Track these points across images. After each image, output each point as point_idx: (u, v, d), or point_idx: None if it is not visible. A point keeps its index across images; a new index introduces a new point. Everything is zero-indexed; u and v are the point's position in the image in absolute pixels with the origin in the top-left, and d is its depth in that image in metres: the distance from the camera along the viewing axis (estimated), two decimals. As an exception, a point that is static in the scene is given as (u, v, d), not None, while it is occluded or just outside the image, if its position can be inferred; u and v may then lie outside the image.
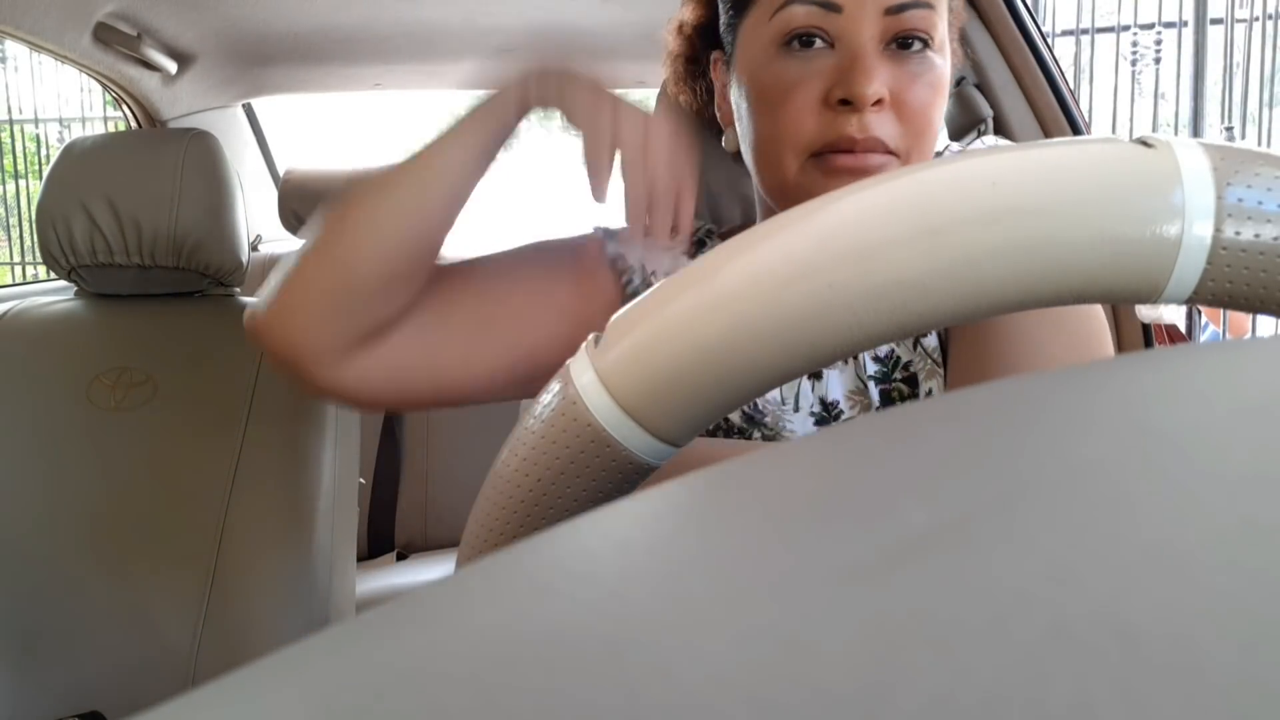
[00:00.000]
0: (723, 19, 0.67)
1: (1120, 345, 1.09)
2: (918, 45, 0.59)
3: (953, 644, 0.10)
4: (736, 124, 0.67)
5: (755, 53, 0.62)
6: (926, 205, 0.24)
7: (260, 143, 2.33)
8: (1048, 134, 1.08)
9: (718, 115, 0.70)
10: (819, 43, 0.59)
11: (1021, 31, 1.08)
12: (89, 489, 1.07)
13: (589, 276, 0.70)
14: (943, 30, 0.61)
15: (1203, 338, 2.05)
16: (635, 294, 0.69)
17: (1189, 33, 2.51)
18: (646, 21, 1.31)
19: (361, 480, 1.22)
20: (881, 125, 0.58)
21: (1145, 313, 1.05)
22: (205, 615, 1.02)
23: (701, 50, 0.72)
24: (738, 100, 0.65)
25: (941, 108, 0.62)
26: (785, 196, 0.63)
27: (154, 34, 1.64)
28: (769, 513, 0.14)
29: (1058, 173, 0.24)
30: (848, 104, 0.57)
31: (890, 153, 0.59)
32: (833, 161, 0.59)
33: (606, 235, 0.73)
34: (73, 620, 1.02)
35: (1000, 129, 1.10)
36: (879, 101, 0.57)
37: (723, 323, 0.25)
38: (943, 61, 0.61)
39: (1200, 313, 1.65)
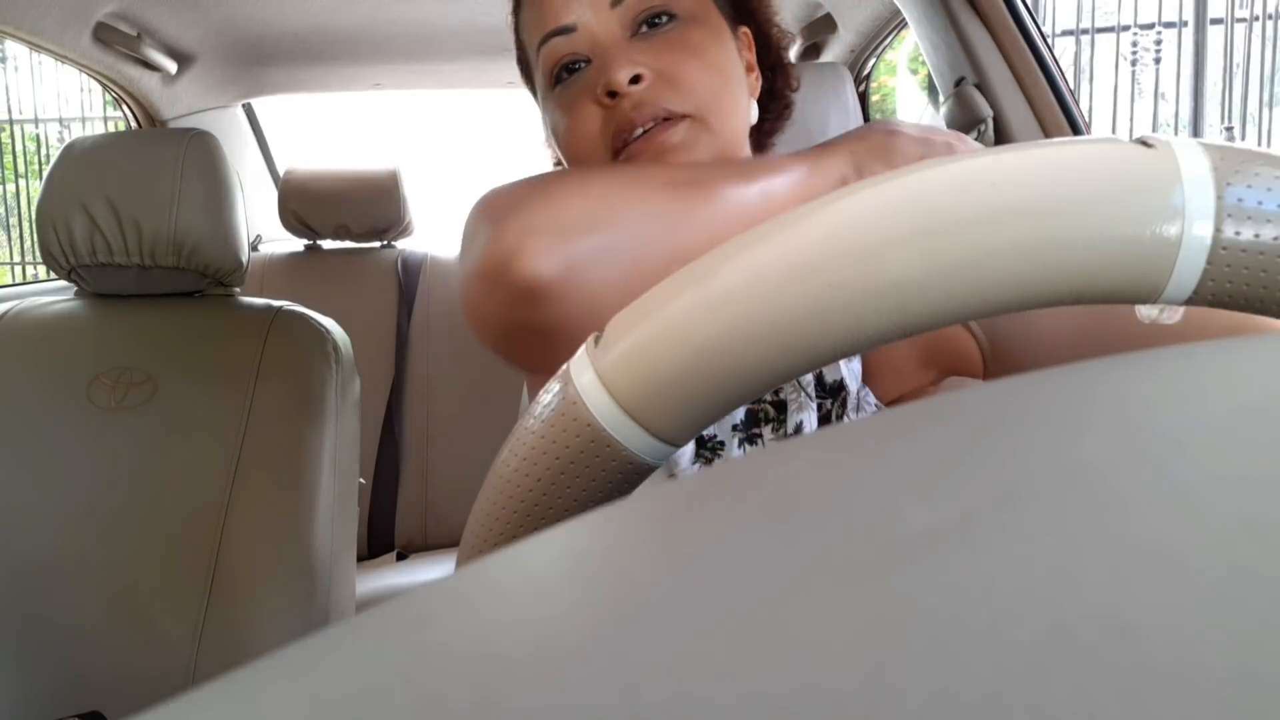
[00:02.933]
0: (533, 95, 0.72)
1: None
2: (664, 20, 0.62)
3: (953, 644, 0.10)
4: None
5: (543, 99, 0.67)
6: (926, 205, 0.24)
7: (260, 143, 2.33)
8: (1048, 134, 1.08)
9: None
10: (580, 65, 0.63)
11: (1021, 31, 1.08)
12: (89, 489, 1.07)
13: None
14: (687, 2, 0.63)
15: (1203, 338, 2.04)
16: None
17: (1189, 33, 2.51)
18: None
19: (361, 480, 1.22)
20: (656, 97, 0.60)
21: (1145, 313, 1.05)
22: (205, 615, 1.02)
23: None
24: (551, 142, 0.70)
25: (722, 59, 0.63)
26: None
27: (154, 34, 1.64)
28: (769, 512, 0.14)
29: (1058, 173, 0.24)
30: (614, 95, 0.60)
31: (681, 117, 0.60)
32: (631, 150, 0.61)
33: None
34: (73, 620, 1.02)
35: (1000, 129, 1.10)
36: (637, 79, 0.60)
37: (722, 323, 0.25)
38: (696, 23, 0.63)
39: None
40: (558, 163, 0.74)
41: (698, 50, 0.63)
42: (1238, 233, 0.23)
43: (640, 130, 0.60)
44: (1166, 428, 0.15)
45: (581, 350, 0.27)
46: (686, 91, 0.61)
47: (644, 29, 0.62)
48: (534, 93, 0.71)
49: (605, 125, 0.61)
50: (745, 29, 0.69)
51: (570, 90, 0.63)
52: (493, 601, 0.12)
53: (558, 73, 0.64)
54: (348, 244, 2.07)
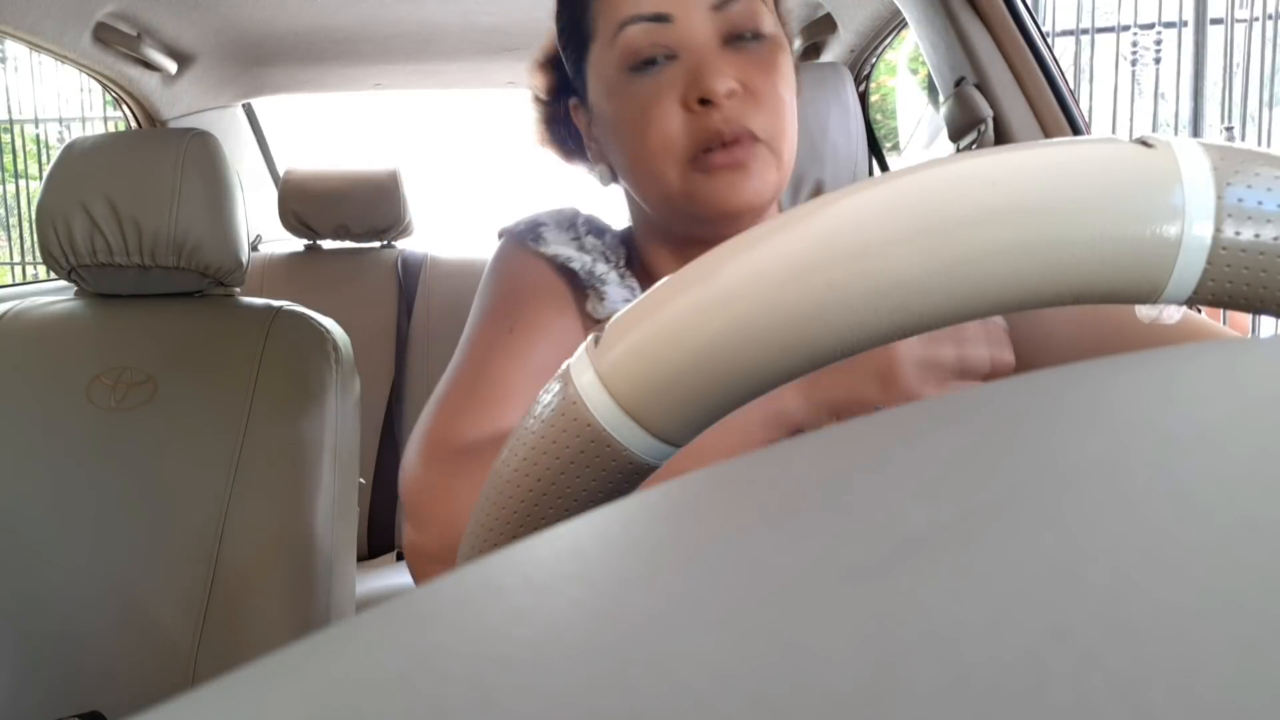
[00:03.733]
0: (569, 66, 0.70)
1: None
2: (749, 37, 0.62)
3: (953, 644, 0.10)
4: (608, 157, 0.70)
5: (606, 82, 0.65)
6: (926, 205, 0.24)
7: (260, 143, 2.33)
8: (1048, 134, 1.08)
9: (589, 156, 0.73)
10: (661, 59, 0.62)
11: (1021, 31, 1.08)
12: (89, 489, 1.07)
13: (553, 298, 0.70)
14: (771, 21, 0.64)
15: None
16: (587, 276, 0.70)
17: (1189, 33, 2.51)
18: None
19: (361, 480, 1.22)
20: (744, 114, 0.61)
21: (1145, 313, 1.05)
22: (205, 615, 1.02)
23: (558, 106, 0.75)
24: (602, 133, 0.68)
25: (791, 90, 0.65)
26: (672, 207, 0.65)
27: (154, 34, 1.64)
28: (769, 512, 0.14)
29: (1058, 172, 0.24)
30: (707, 103, 0.60)
31: (758, 140, 0.62)
32: (710, 160, 0.61)
33: (523, 237, 0.73)
34: (73, 620, 1.02)
35: (1000, 129, 1.10)
36: (733, 93, 0.60)
37: (722, 322, 0.25)
38: (779, 49, 0.64)
39: (1201, 313, 1.65)
40: (600, 161, 0.72)
41: (780, 75, 0.64)
42: (1238, 233, 0.23)
43: (720, 143, 0.61)
44: (1167, 428, 0.15)
45: (581, 350, 0.27)
46: (768, 114, 0.62)
47: (736, 41, 0.62)
48: (571, 62, 0.68)
49: (688, 130, 0.61)
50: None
51: (651, 83, 0.62)
52: (493, 601, 0.12)
53: (637, 62, 0.62)
54: (348, 244, 2.07)
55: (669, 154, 0.62)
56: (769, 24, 0.63)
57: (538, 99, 0.77)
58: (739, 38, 0.62)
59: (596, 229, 0.75)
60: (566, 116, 0.75)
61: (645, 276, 0.73)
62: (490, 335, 0.68)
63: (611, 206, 0.81)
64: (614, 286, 0.70)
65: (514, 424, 0.67)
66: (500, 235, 0.76)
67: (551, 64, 0.75)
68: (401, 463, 0.63)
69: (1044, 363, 0.63)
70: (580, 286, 0.71)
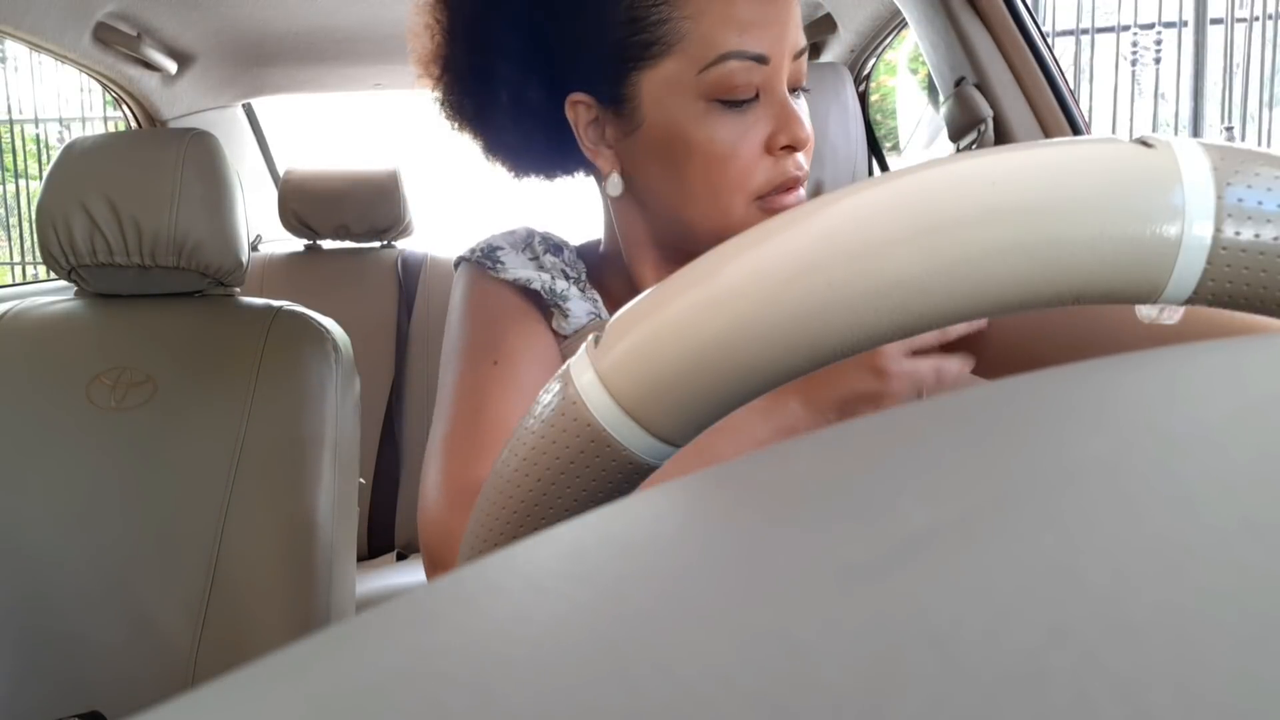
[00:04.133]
0: (583, 58, 0.67)
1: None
2: (803, 89, 0.68)
3: (953, 644, 0.10)
4: (636, 169, 0.69)
5: (680, 107, 0.64)
6: (926, 204, 0.24)
7: (260, 143, 2.33)
8: (1048, 134, 1.08)
9: (590, 157, 0.71)
10: (751, 98, 0.64)
11: (1021, 31, 1.08)
12: (89, 489, 1.07)
13: (525, 320, 0.71)
14: None
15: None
16: (547, 294, 0.71)
17: (1189, 33, 2.51)
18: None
19: (361, 480, 1.22)
20: (805, 161, 0.66)
21: (1145, 313, 1.05)
22: (205, 615, 1.02)
23: (511, 83, 0.71)
24: (644, 149, 0.67)
25: None
26: (725, 235, 0.65)
27: (154, 34, 1.64)
28: (769, 512, 0.14)
29: (1057, 172, 0.24)
30: (788, 149, 0.64)
31: (802, 184, 0.67)
32: (776, 201, 0.65)
33: (481, 264, 0.73)
34: (73, 620, 1.02)
35: (1000, 129, 1.10)
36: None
37: (723, 322, 0.25)
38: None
39: (1200, 313, 1.64)
40: (613, 169, 0.70)
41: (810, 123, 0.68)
42: (1238, 233, 0.23)
43: (790, 186, 0.65)
44: (1166, 428, 0.15)
45: (581, 350, 0.27)
46: (810, 159, 0.67)
47: (794, 92, 0.66)
48: (599, 61, 0.66)
49: (767, 171, 0.65)
50: None
51: (739, 120, 0.64)
52: (493, 601, 0.12)
53: (729, 97, 0.63)
54: (348, 244, 2.07)
55: (743, 189, 0.65)
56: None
57: (456, 88, 0.74)
58: (797, 89, 0.67)
59: (553, 246, 0.76)
60: (505, 107, 0.72)
61: (605, 289, 0.74)
62: (477, 371, 0.68)
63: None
64: (576, 301, 0.71)
65: None
66: (457, 265, 0.76)
67: (476, 38, 0.71)
68: (420, 509, 0.63)
69: (1040, 359, 0.65)
70: (544, 305, 0.72)
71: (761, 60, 0.63)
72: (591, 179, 0.76)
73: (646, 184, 0.69)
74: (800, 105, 0.66)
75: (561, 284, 0.71)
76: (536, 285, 0.71)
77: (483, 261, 0.73)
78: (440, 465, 0.64)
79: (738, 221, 0.65)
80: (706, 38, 0.62)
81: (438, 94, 0.75)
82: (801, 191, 0.66)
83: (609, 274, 0.76)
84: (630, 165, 0.69)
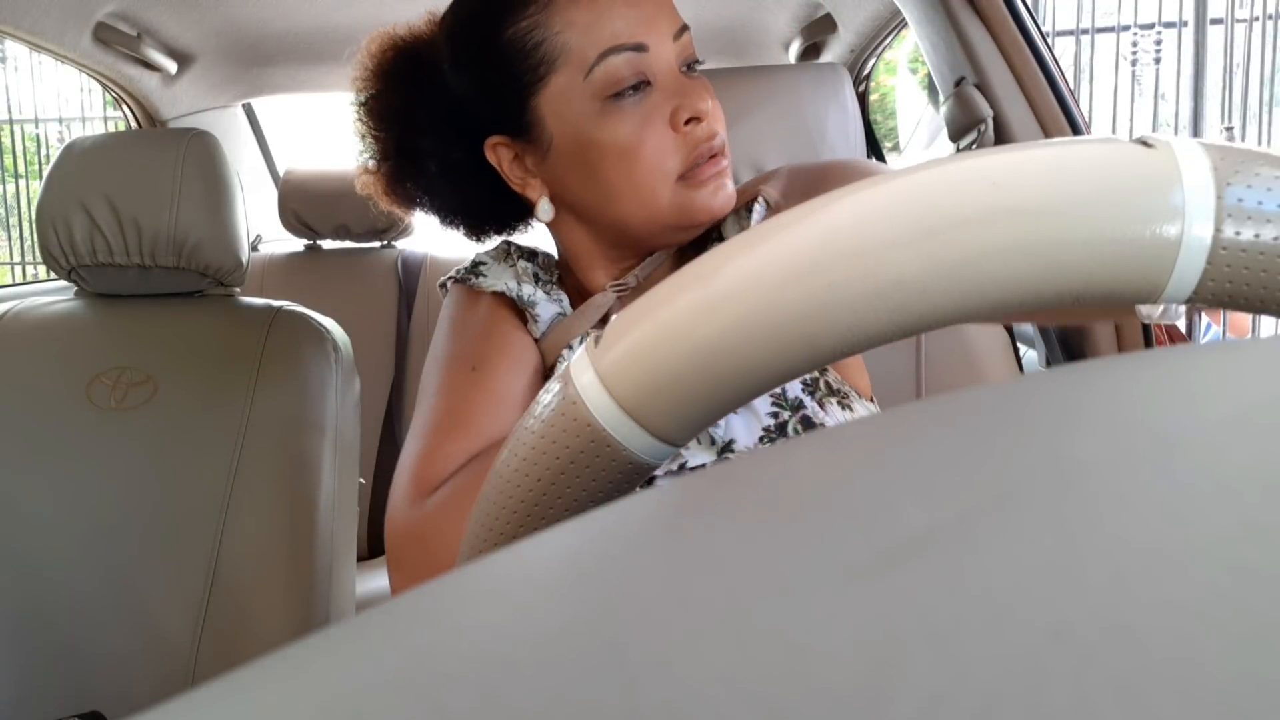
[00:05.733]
0: (487, 103, 0.71)
1: (1120, 345, 1.09)
2: (695, 64, 0.69)
3: (953, 644, 0.10)
4: (560, 189, 0.72)
5: (577, 114, 0.67)
6: (926, 205, 0.24)
7: (260, 143, 2.33)
8: (1048, 134, 1.08)
9: (520, 192, 0.74)
10: (641, 85, 0.66)
11: (1021, 31, 1.08)
12: (89, 489, 1.07)
13: (504, 328, 0.74)
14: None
15: (1203, 338, 2.05)
16: (524, 303, 0.73)
17: (1189, 33, 2.51)
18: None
19: (361, 480, 1.22)
20: (718, 128, 0.68)
21: (1145, 312, 1.05)
22: (205, 615, 1.02)
23: (436, 153, 0.75)
24: (562, 166, 0.70)
25: None
26: (657, 224, 0.69)
27: (154, 34, 1.64)
28: (769, 512, 0.14)
29: (1058, 172, 0.24)
30: (694, 120, 0.66)
31: (724, 154, 0.69)
32: (697, 175, 0.67)
33: (464, 280, 0.77)
34: (72, 620, 1.02)
35: (1000, 129, 1.10)
36: (711, 111, 0.67)
37: (722, 322, 0.25)
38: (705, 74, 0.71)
39: (1200, 313, 1.65)
40: (540, 195, 0.74)
41: (714, 98, 0.70)
42: (1238, 233, 0.23)
43: (707, 156, 0.67)
44: (1166, 428, 0.15)
45: (581, 350, 0.27)
46: (722, 128, 0.69)
47: (688, 70, 0.68)
48: (501, 101, 0.69)
49: (679, 149, 0.66)
50: None
51: (635, 109, 0.66)
52: (493, 601, 0.12)
53: (619, 90, 0.65)
54: (348, 244, 2.07)
55: (662, 173, 0.66)
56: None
57: (396, 174, 0.78)
58: (690, 65, 0.69)
59: (527, 253, 0.80)
60: (422, 161, 0.76)
61: (576, 292, 0.77)
62: (454, 377, 0.70)
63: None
64: (543, 304, 0.74)
65: (483, 447, 0.68)
66: (442, 286, 0.80)
67: (387, 120, 0.76)
68: (387, 513, 0.65)
69: None
70: (515, 310, 0.75)
71: (639, 48, 0.65)
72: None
73: (574, 197, 0.72)
74: (697, 80, 0.68)
75: (529, 289, 0.75)
76: (513, 293, 0.74)
77: (466, 277, 0.77)
78: (406, 464, 0.66)
79: (667, 206, 0.67)
80: (582, 44, 0.65)
81: (386, 188, 0.79)
82: (723, 159, 0.68)
83: (572, 286, 0.79)
84: (555, 185, 0.72)
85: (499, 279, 0.75)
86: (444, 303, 0.79)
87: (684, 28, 0.68)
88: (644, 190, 0.67)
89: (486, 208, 0.79)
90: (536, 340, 0.74)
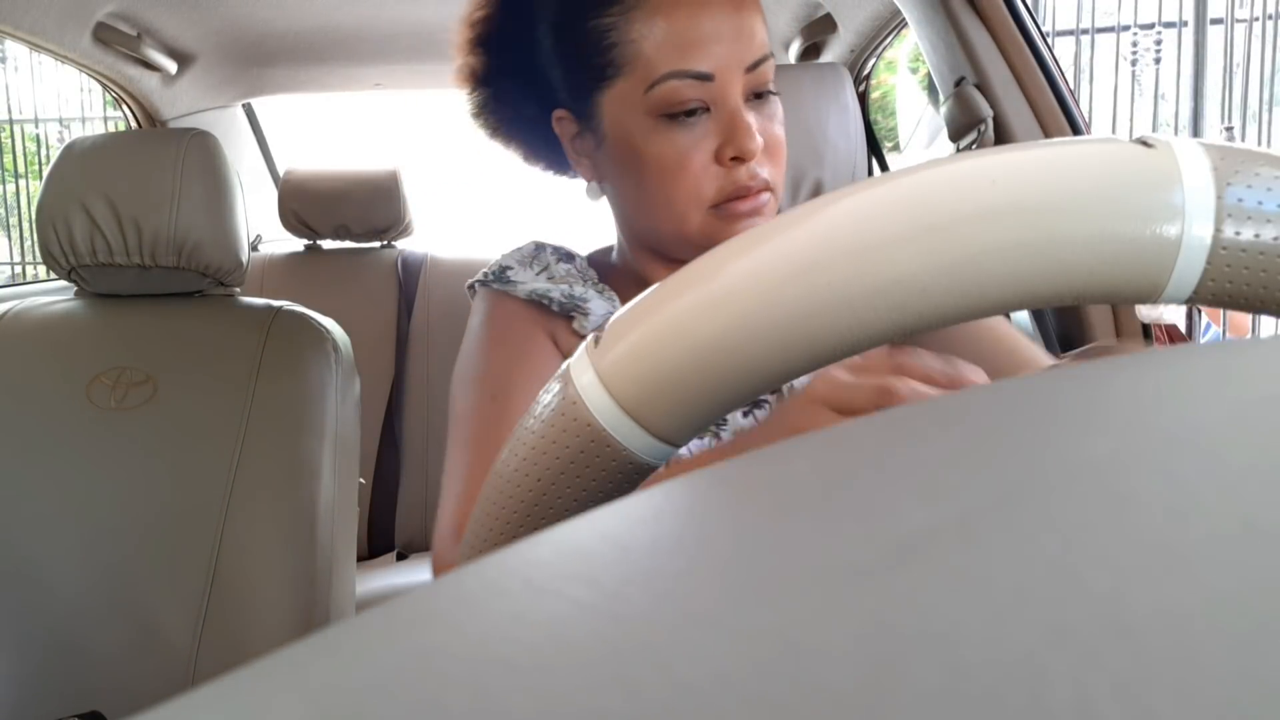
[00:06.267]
0: (562, 79, 0.72)
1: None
2: (766, 94, 0.68)
3: (953, 644, 0.10)
4: (608, 179, 0.73)
5: (631, 122, 0.68)
6: (927, 204, 0.24)
7: (260, 143, 2.33)
8: (1048, 134, 1.08)
9: (574, 165, 0.76)
10: (697, 110, 0.66)
11: (1021, 31, 1.08)
12: (89, 489, 1.07)
13: (529, 344, 0.74)
14: (774, 68, 0.69)
15: (1204, 338, 2.05)
16: (559, 306, 0.73)
17: (1189, 33, 2.51)
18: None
19: (361, 480, 1.22)
20: (762, 168, 0.67)
21: (1145, 312, 1.05)
22: (205, 615, 1.02)
23: (517, 100, 0.77)
24: (610, 161, 0.71)
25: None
26: (685, 244, 0.70)
27: (154, 34, 1.64)
28: (769, 512, 0.14)
29: (1058, 172, 0.24)
30: (737, 159, 0.66)
31: (770, 190, 0.68)
32: (732, 209, 0.67)
33: (493, 284, 0.77)
34: (72, 620, 1.02)
35: (1000, 129, 1.10)
36: (760, 151, 0.66)
37: (722, 322, 0.25)
38: (778, 100, 0.70)
39: (1201, 313, 1.65)
40: (592, 179, 0.75)
41: (782, 125, 0.69)
42: (1238, 233, 0.23)
43: (746, 194, 0.66)
44: (1166, 428, 0.15)
45: (581, 350, 0.27)
46: (777, 165, 0.68)
47: (756, 99, 0.68)
48: (574, 83, 0.70)
49: (718, 182, 0.66)
50: None
51: (685, 134, 0.66)
52: (493, 602, 0.12)
53: (674, 112, 0.66)
54: (348, 244, 2.07)
55: (696, 201, 0.67)
56: (773, 78, 0.69)
57: (476, 80, 0.79)
58: (759, 95, 0.68)
59: (564, 255, 0.79)
60: (512, 108, 0.78)
61: (622, 291, 0.77)
62: (481, 406, 0.71)
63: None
64: (595, 301, 0.74)
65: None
66: (470, 288, 0.80)
67: (489, 46, 0.77)
68: (433, 550, 0.66)
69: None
70: (558, 315, 0.74)
71: (704, 78, 0.65)
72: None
73: (617, 193, 0.73)
74: (768, 111, 0.68)
75: (579, 288, 0.74)
76: (554, 295, 0.73)
77: (494, 281, 0.77)
78: (449, 508, 0.68)
79: (695, 230, 0.68)
80: (650, 59, 0.65)
81: (472, 107, 0.81)
82: (765, 197, 0.67)
83: (620, 275, 0.79)
84: (603, 175, 0.74)
85: (535, 284, 0.75)
86: (473, 307, 0.79)
87: (763, 59, 0.67)
88: (676, 210, 0.67)
89: (543, 157, 0.81)
90: (582, 338, 0.74)
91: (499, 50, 0.77)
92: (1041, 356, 0.71)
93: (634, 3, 0.66)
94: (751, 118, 0.66)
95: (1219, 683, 0.09)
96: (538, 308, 0.74)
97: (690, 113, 0.66)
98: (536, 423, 0.27)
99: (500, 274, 0.77)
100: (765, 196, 0.68)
